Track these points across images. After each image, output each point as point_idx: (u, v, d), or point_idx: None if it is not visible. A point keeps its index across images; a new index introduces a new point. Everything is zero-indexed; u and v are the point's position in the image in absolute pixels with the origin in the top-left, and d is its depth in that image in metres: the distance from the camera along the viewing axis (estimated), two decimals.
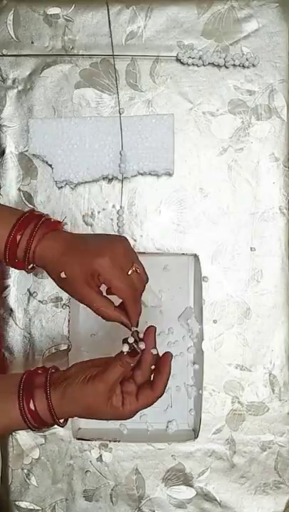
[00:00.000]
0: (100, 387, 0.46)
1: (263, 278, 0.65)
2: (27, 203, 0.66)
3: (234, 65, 0.65)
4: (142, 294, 0.48)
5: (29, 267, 0.49)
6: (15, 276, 0.66)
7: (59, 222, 0.51)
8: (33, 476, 0.65)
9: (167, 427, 0.66)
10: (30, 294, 0.66)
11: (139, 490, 0.65)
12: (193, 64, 0.66)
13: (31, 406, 0.46)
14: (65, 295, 0.65)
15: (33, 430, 0.48)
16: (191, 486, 0.65)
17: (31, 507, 0.65)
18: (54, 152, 0.65)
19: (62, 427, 0.49)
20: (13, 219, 0.48)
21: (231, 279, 0.65)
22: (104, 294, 0.48)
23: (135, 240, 0.66)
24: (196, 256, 0.66)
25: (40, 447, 0.65)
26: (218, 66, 0.66)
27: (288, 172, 0.66)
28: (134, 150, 0.64)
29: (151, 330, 0.49)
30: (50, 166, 0.65)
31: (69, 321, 0.65)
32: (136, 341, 0.48)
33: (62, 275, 0.46)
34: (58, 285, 0.48)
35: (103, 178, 0.66)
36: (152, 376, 0.49)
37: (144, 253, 0.65)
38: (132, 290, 0.46)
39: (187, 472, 0.65)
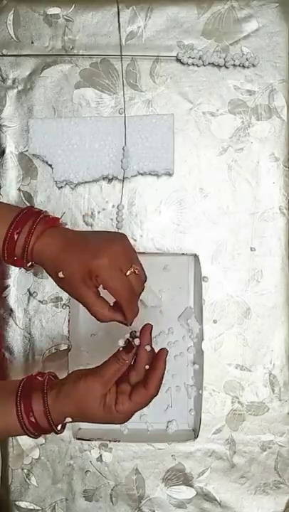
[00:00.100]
0: (94, 380, 0.46)
1: (263, 278, 0.65)
2: (27, 203, 0.66)
3: (234, 65, 0.65)
4: (140, 295, 0.48)
5: (28, 265, 0.49)
6: (15, 276, 0.66)
7: (57, 218, 0.50)
8: (33, 476, 0.65)
9: (167, 427, 0.66)
10: (30, 294, 0.66)
11: (139, 490, 0.65)
12: (193, 64, 0.66)
13: (28, 409, 0.46)
14: (65, 295, 0.65)
15: (30, 436, 0.47)
16: (191, 486, 0.65)
17: (31, 507, 0.65)
18: (54, 152, 0.65)
19: (57, 433, 0.48)
20: (11, 216, 0.48)
21: (231, 279, 0.65)
22: (101, 289, 0.47)
23: (135, 240, 0.66)
24: (196, 256, 0.66)
25: (40, 447, 0.65)
26: (218, 66, 0.66)
27: (288, 172, 0.66)
28: (134, 150, 0.64)
29: (147, 327, 0.49)
30: (50, 166, 0.65)
31: (69, 321, 0.65)
32: (132, 338, 0.48)
33: (60, 275, 0.46)
34: (56, 283, 0.48)
35: (103, 178, 0.66)
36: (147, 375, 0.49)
37: (144, 253, 0.65)
38: (128, 292, 0.46)
39: (187, 472, 0.65)
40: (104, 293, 0.47)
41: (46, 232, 0.48)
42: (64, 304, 0.66)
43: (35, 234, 0.47)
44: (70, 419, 0.47)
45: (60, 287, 0.48)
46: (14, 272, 0.66)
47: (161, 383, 0.48)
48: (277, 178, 0.66)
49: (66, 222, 0.66)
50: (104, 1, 0.66)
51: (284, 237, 0.66)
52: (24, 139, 0.66)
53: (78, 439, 0.64)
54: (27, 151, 0.66)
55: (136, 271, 0.46)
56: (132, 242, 0.64)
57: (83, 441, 0.65)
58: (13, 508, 0.65)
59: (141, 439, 0.65)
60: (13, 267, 0.66)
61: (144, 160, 0.64)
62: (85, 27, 0.66)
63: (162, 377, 0.48)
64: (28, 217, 0.48)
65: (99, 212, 0.66)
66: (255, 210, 0.66)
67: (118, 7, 0.65)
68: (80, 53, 0.66)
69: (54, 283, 0.48)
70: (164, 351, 0.49)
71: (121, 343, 0.48)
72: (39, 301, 0.66)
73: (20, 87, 0.66)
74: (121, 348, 0.48)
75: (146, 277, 0.49)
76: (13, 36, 0.66)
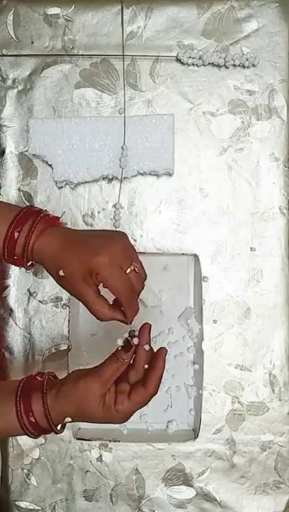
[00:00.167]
0: (93, 380, 0.46)
1: (263, 278, 0.65)
2: (27, 203, 0.66)
3: (234, 65, 0.65)
4: (140, 293, 0.48)
5: (28, 264, 0.49)
6: (15, 276, 0.66)
7: (57, 217, 0.50)
8: (33, 476, 0.65)
9: (167, 426, 0.66)
10: (30, 294, 0.66)
11: (139, 490, 0.65)
12: (193, 64, 0.66)
13: (27, 409, 0.46)
14: (65, 295, 0.65)
15: (30, 436, 0.47)
16: (191, 486, 0.65)
17: (31, 507, 0.65)
18: (54, 152, 0.65)
19: (57, 433, 0.48)
20: (11, 215, 0.48)
21: (231, 279, 0.65)
22: (101, 288, 0.47)
23: (135, 240, 0.66)
24: (196, 256, 0.66)
25: (40, 447, 0.65)
26: (218, 66, 0.66)
27: (288, 172, 0.66)
28: (134, 150, 0.64)
29: (146, 327, 0.49)
30: (50, 166, 0.65)
31: (69, 321, 0.65)
32: (131, 337, 0.48)
33: (61, 273, 0.46)
34: (56, 282, 0.48)
35: (103, 178, 0.66)
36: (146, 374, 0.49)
37: (144, 253, 0.65)
38: (129, 290, 0.46)
39: (187, 472, 0.65)
40: (104, 292, 0.47)
41: (46, 231, 0.48)
42: (64, 304, 0.66)
43: (35, 233, 0.47)
44: (69, 419, 0.47)
45: (61, 286, 0.48)
46: (14, 272, 0.66)
47: (160, 382, 0.48)
48: (277, 178, 0.66)
49: (66, 222, 0.66)
50: (104, 1, 0.66)
51: (284, 237, 0.66)
52: (24, 139, 0.66)
53: (78, 439, 0.64)
54: (27, 151, 0.66)
55: (136, 269, 0.46)
56: (132, 242, 0.64)
57: (83, 441, 0.65)
58: (13, 508, 0.65)
59: (141, 439, 0.65)
60: (13, 267, 0.66)
61: (144, 160, 0.64)
62: (85, 27, 0.66)
63: (161, 377, 0.48)
64: (28, 216, 0.48)
65: (99, 212, 0.66)
66: (255, 210, 0.66)
67: (122, 7, 0.65)
68: (80, 53, 0.66)
69: (54, 283, 0.48)
70: (163, 350, 0.49)
71: (120, 342, 0.48)
72: (39, 301, 0.66)
73: (20, 87, 0.66)
74: (120, 348, 0.48)
75: (146, 276, 0.49)
76: (13, 36, 0.66)
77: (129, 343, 0.48)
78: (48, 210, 0.66)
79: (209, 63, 0.65)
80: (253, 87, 0.66)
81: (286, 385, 0.65)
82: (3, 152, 0.66)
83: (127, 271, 0.46)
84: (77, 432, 0.65)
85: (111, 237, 0.48)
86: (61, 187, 0.66)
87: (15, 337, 0.66)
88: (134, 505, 0.65)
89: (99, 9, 0.66)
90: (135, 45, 0.66)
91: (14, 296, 0.66)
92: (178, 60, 0.66)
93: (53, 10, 0.66)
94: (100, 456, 0.65)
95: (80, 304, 0.47)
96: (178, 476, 0.65)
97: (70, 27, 0.66)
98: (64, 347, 0.65)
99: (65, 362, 0.65)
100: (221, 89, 0.66)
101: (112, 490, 0.65)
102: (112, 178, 0.66)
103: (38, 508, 0.65)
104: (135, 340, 0.48)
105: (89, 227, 0.66)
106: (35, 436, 0.48)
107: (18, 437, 0.65)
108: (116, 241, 0.46)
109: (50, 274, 0.48)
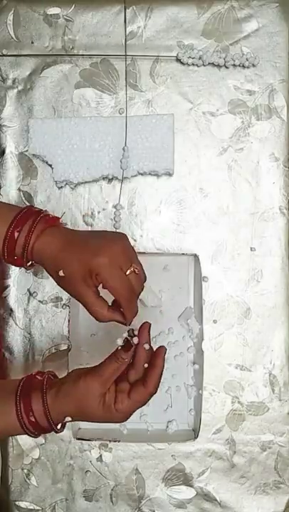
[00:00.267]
0: (93, 380, 0.46)
1: (263, 278, 0.65)
2: (27, 203, 0.66)
3: (234, 65, 0.65)
4: (139, 295, 0.48)
5: (28, 264, 0.49)
6: (15, 276, 0.66)
7: (57, 218, 0.50)
8: (33, 476, 0.65)
9: (167, 426, 0.66)
10: (30, 294, 0.66)
11: (139, 490, 0.65)
12: (193, 64, 0.66)
13: (27, 408, 0.46)
14: (65, 295, 0.66)
15: (30, 435, 0.47)
16: (191, 486, 0.65)
17: (31, 507, 0.65)
18: (54, 152, 0.65)
19: (57, 432, 0.48)
20: (11, 215, 0.48)
21: (231, 279, 0.65)
22: (101, 289, 0.47)
23: (135, 240, 0.66)
24: (196, 256, 0.66)
25: (40, 447, 0.65)
26: (218, 66, 0.66)
27: (288, 172, 0.66)
28: (134, 150, 0.64)
29: (145, 326, 0.49)
30: (50, 166, 0.65)
31: (69, 321, 0.65)
32: (131, 336, 0.48)
33: (61, 273, 0.46)
34: (56, 282, 0.48)
35: (103, 178, 0.66)
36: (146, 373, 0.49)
37: (144, 253, 0.65)
38: (128, 291, 0.46)
39: (187, 472, 0.65)
40: (103, 293, 0.47)
41: (46, 231, 0.48)
42: (64, 304, 0.66)
43: (35, 233, 0.47)
44: (69, 419, 0.47)
45: (60, 286, 0.48)
46: (14, 272, 0.66)
47: (160, 381, 0.48)
48: (277, 178, 0.66)
49: (66, 222, 0.66)
50: (104, 1, 0.66)
51: (284, 237, 0.66)
52: (24, 139, 0.66)
53: (78, 439, 0.64)
54: (27, 151, 0.66)
55: (136, 270, 0.46)
56: (132, 242, 0.64)
57: (83, 441, 0.65)
58: (13, 508, 0.65)
59: (141, 439, 0.65)
60: (13, 267, 0.66)
61: (144, 160, 0.64)
62: (85, 27, 0.66)
63: (161, 376, 0.48)
64: (28, 216, 0.48)
65: (99, 212, 0.66)
66: (255, 210, 0.66)
67: (125, 7, 0.65)
68: (80, 53, 0.66)
69: (54, 283, 0.48)
70: (162, 349, 0.49)
71: (119, 342, 0.48)
72: (39, 301, 0.66)
73: (20, 87, 0.66)
74: (119, 347, 0.48)
75: (145, 277, 0.49)
76: (13, 36, 0.66)
77: (129, 343, 0.48)
78: (48, 210, 0.66)
79: (209, 63, 0.65)
80: (253, 87, 0.66)
81: (286, 385, 0.65)
82: (3, 152, 0.66)
83: (127, 272, 0.46)
84: (77, 432, 0.65)
85: (111, 238, 0.48)
86: (61, 187, 0.66)
87: (15, 337, 0.66)
88: (134, 505, 0.65)
89: (99, 9, 0.66)
90: (135, 45, 0.66)
91: (14, 296, 0.66)
92: (178, 60, 0.66)
93: (53, 10, 0.66)
94: (100, 456, 0.65)
95: (80, 304, 0.47)
96: (178, 476, 0.65)
97: (70, 27, 0.66)
98: (64, 347, 0.65)
99: (65, 362, 0.65)
100: (221, 89, 0.66)
101: (112, 490, 0.65)
102: (112, 178, 0.66)
103: (38, 508, 0.65)
104: (135, 340, 0.48)
105: (89, 228, 0.66)
106: (36, 436, 0.48)
107: (18, 437, 0.65)
108: (116, 242, 0.47)
109: (50, 275, 0.48)
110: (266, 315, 0.65)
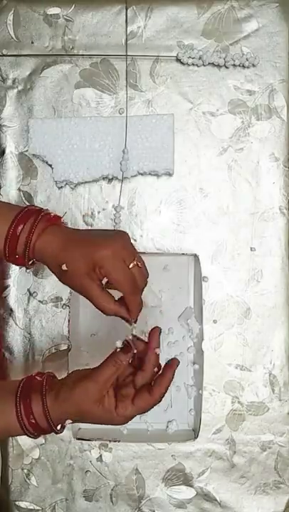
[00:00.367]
0: (89, 385, 0.46)
1: (263, 278, 0.65)
2: (27, 203, 0.66)
3: (234, 65, 0.65)
4: (143, 290, 0.48)
5: (29, 263, 0.49)
6: (15, 276, 0.66)
7: (59, 216, 0.50)
8: (33, 476, 0.65)
9: (167, 426, 0.66)
10: (30, 294, 0.66)
11: (139, 490, 0.65)
12: (193, 64, 0.66)
13: (28, 410, 0.46)
14: (65, 295, 0.65)
15: (30, 436, 0.47)
16: (191, 486, 0.65)
17: (31, 507, 0.65)
18: (54, 152, 0.65)
19: (57, 433, 0.48)
20: (12, 214, 0.48)
21: (231, 279, 0.65)
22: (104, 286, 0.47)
23: (135, 240, 0.66)
24: (196, 256, 0.66)
25: (40, 447, 0.65)
26: (218, 66, 0.66)
27: (288, 172, 0.66)
28: (134, 150, 0.64)
29: (156, 330, 0.49)
30: (50, 166, 0.65)
31: (69, 321, 0.65)
32: (134, 340, 0.48)
33: (64, 267, 0.46)
34: (59, 279, 0.48)
35: (103, 178, 0.66)
36: (153, 381, 0.49)
37: (144, 253, 0.65)
38: (132, 284, 0.46)
39: (187, 472, 0.65)
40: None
41: (48, 230, 0.48)
42: (64, 304, 0.66)
43: (36, 231, 0.47)
44: (70, 421, 0.47)
45: (63, 282, 0.47)
46: (14, 272, 0.66)
47: (166, 392, 0.48)
48: (277, 178, 0.66)
49: (66, 222, 0.66)
50: (104, 1, 0.66)
51: (284, 237, 0.66)
52: (24, 139, 0.66)
53: (78, 439, 0.64)
54: (27, 151, 0.66)
55: (138, 264, 0.47)
56: (132, 242, 0.65)
57: (83, 441, 0.65)
58: (13, 508, 0.65)
59: (141, 439, 0.65)
60: (13, 267, 0.66)
61: (144, 160, 0.64)
62: (85, 27, 0.66)
63: (168, 387, 0.48)
64: (30, 215, 0.48)
65: (99, 213, 0.66)
66: (255, 210, 0.66)
67: (126, 7, 0.65)
68: (80, 53, 0.66)
69: (54, 283, 0.48)
70: (175, 361, 0.49)
71: (119, 344, 0.48)
72: (39, 301, 0.66)
73: (20, 87, 0.66)
74: (118, 349, 0.48)
75: (148, 273, 0.49)
76: (13, 36, 0.66)
77: (128, 345, 0.48)
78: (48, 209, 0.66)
79: (209, 63, 0.65)
80: (253, 87, 0.66)
81: (286, 385, 0.65)
82: (3, 152, 0.66)
83: (130, 265, 0.46)
84: (77, 432, 0.65)
85: (112, 234, 0.48)
86: (61, 187, 0.66)
87: (15, 337, 0.66)
88: (134, 505, 0.65)
89: (99, 9, 0.66)
90: (135, 45, 0.66)
91: (14, 296, 0.66)
92: (178, 60, 0.66)
93: (53, 10, 0.66)
94: (100, 456, 0.65)
95: (80, 304, 0.47)
96: (178, 476, 0.65)
97: (70, 27, 0.66)
98: (64, 347, 0.65)
99: (65, 362, 0.65)
100: (221, 89, 0.66)
101: (112, 490, 0.65)
102: (112, 178, 0.66)
103: (38, 508, 0.65)
104: (138, 345, 0.48)
105: (89, 227, 0.66)
106: (35, 437, 0.48)
107: (18, 437, 0.65)
108: (118, 238, 0.47)
109: (52, 272, 0.48)
110: (266, 315, 0.65)
